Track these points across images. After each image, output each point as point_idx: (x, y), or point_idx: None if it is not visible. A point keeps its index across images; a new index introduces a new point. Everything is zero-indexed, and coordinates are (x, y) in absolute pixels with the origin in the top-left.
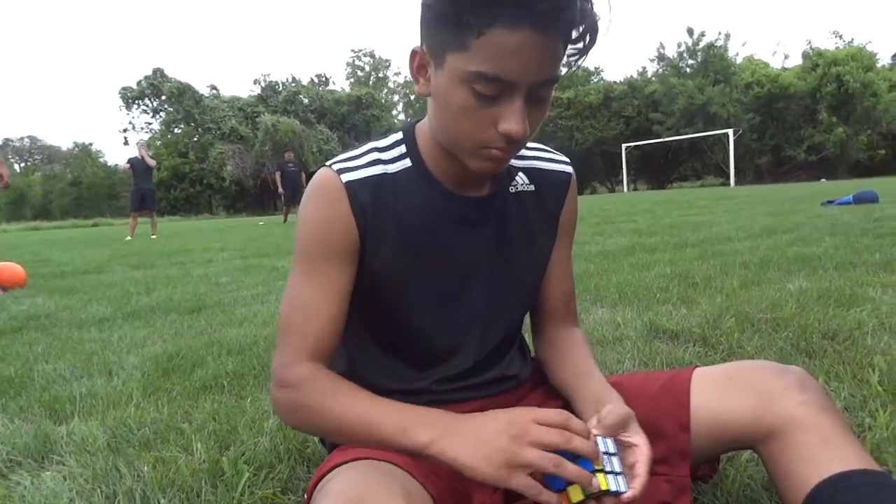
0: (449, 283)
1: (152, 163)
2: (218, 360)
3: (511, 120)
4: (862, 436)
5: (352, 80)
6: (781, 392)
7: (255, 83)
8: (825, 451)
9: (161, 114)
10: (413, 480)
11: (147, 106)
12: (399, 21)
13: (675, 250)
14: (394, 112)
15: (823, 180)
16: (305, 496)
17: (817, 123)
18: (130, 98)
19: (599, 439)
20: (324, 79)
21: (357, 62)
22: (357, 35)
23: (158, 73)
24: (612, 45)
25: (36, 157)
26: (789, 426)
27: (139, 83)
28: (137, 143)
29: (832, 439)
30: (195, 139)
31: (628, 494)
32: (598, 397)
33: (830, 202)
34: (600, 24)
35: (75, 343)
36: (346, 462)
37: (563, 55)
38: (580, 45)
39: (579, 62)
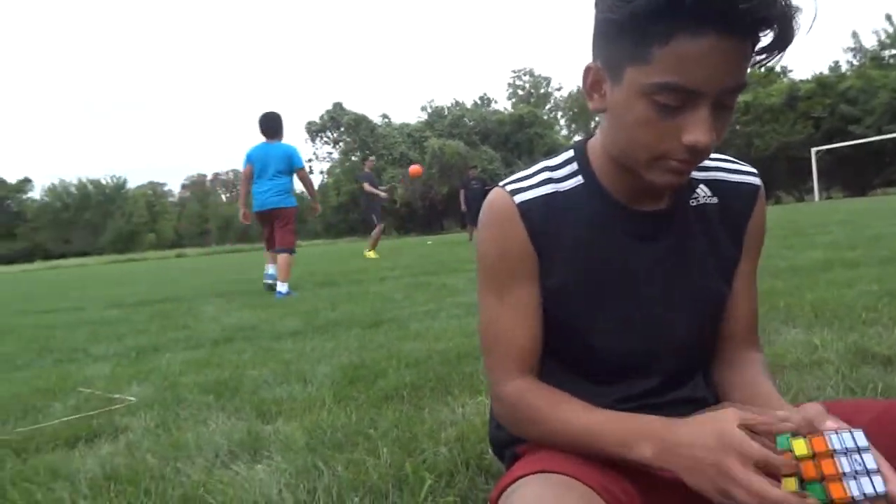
0: (627, 300)
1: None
2: (397, 371)
3: (696, 130)
4: None
5: (513, 99)
6: None
7: (422, 109)
8: None
9: (340, 144)
10: (594, 495)
11: (328, 137)
12: (557, 37)
13: (882, 265)
14: (556, 128)
15: None
16: None
17: None
18: (314, 131)
19: (833, 436)
20: (486, 100)
21: (517, 81)
22: (516, 54)
23: (338, 106)
24: (798, 40)
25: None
26: None
27: (321, 117)
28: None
29: None
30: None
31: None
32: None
33: None
34: (798, 21)
35: (275, 353)
36: (528, 475)
37: (751, 58)
38: (772, 45)
39: (771, 63)
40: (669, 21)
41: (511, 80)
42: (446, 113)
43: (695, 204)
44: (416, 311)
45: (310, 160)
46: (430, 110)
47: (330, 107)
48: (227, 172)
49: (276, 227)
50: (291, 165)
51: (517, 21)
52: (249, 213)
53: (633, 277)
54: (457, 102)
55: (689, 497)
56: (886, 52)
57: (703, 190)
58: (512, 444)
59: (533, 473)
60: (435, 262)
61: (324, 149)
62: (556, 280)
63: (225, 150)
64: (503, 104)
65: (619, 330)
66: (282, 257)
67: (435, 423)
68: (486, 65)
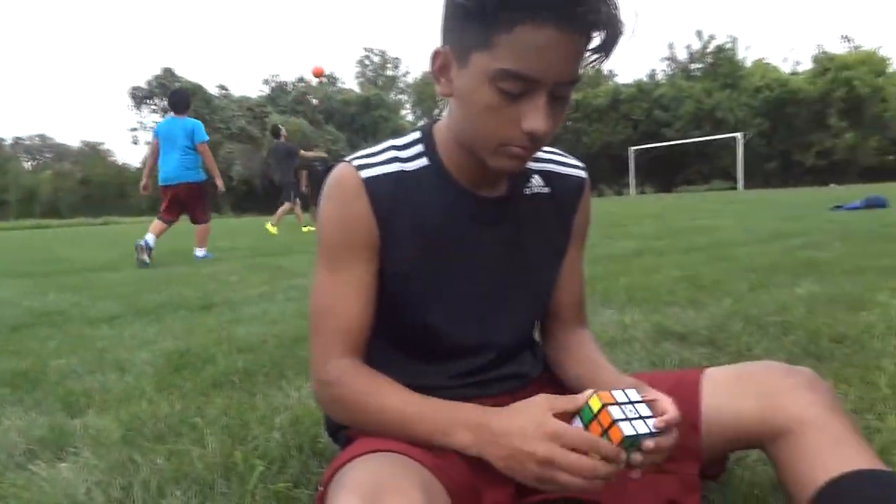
0: (464, 281)
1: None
2: (228, 357)
3: (535, 118)
4: (870, 438)
5: (361, 79)
6: (791, 392)
7: (264, 83)
8: (833, 452)
9: (171, 113)
10: (428, 473)
11: (157, 105)
12: (407, 20)
13: (682, 254)
14: (402, 112)
15: (833, 185)
16: (321, 488)
17: (827, 128)
18: (140, 97)
19: (618, 391)
20: (332, 79)
21: (367, 61)
22: (364, 35)
23: (168, 72)
24: (623, 47)
25: (46, 155)
26: (798, 426)
27: (149, 82)
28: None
29: (840, 440)
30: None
31: (657, 423)
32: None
33: (840, 207)
34: (624, 29)
35: (87, 340)
36: (361, 454)
37: (584, 56)
38: (600, 47)
39: (597, 65)
40: (514, 11)
41: (361, 59)
42: (290, 89)
43: (529, 193)
44: (250, 294)
45: (134, 129)
46: (273, 85)
47: (159, 72)
48: (31, 138)
49: (188, 205)
50: (193, 140)
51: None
52: (150, 186)
53: (473, 260)
54: (301, 79)
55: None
56: (693, 66)
57: (536, 180)
58: (346, 426)
59: (366, 453)
60: (273, 242)
61: (151, 118)
62: (397, 259)
63: (31, 115)
64: (350, 84)
65: (457, 311)
66: (200, 227)
67: (268, 408)
68: (334, 44)
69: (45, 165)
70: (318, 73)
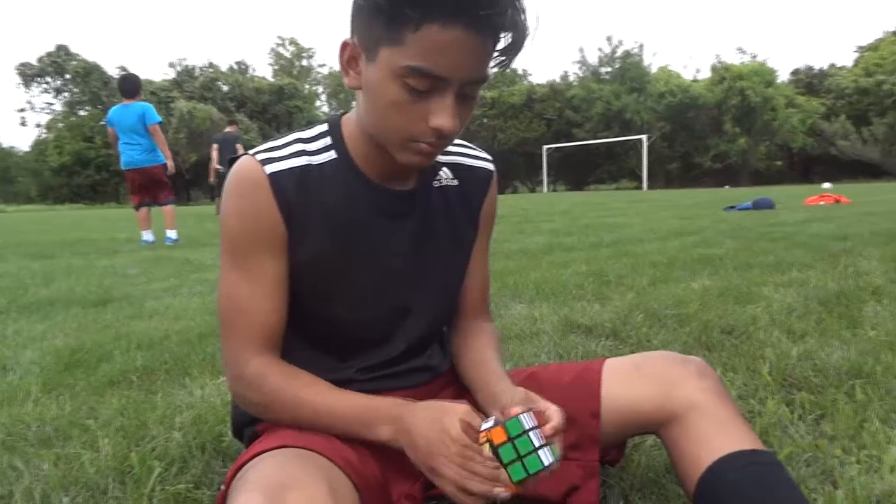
0: (374, 274)
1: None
2: (126, 354)
3: (442, 115)
4: (753, 421)
5: (275, 67)
6: (683, 380)
7: (169, 67)
8: (719, 434)
9: (64, 94)
10: (335, 469)
11: (48, 85)
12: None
13: (590, 250)
14: (317, 104)
15: (727, 187)
16: (223, 487)
17: (723, 133)
18: (29, 76)
19: (523, 416)
20: (243, 66)
21: (281, 49)
22: (280, 22)
23: (62, 49)
24: (538, 48)
25: None
26: (689, 411)
27: (40, 60)
28: None
29: (726, 423)
30: (102, 123)
31: (545, 430)
32: (491, 388)
33: (732, 207)
34: (528, 33)
35: None
36: (267, 451)
37: (492, 56)
38: (507, 49)
39: (504, 66)
40: (423, 9)
41: (274, 46)
42: (198, 73)
43: (438, 185)
44: (153, 289)
45: (22, 110)
46: (179, 68)
47: (52, 48)
48: None
49: (151, 188)
50: (145, 122)
51: None
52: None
53: (381, 253)
54: (211, 64)
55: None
56: (603, 69)
57: (445, 173)
58: (252, 424)
59: (272, 449)
60: (179, 235)
61: (42, 98)
62: (305, 254)
63: None
64: (263, 73)
65: (366, 304)
66: (167, 208)
67: (168, 407)
68: (246, 29)
69: None
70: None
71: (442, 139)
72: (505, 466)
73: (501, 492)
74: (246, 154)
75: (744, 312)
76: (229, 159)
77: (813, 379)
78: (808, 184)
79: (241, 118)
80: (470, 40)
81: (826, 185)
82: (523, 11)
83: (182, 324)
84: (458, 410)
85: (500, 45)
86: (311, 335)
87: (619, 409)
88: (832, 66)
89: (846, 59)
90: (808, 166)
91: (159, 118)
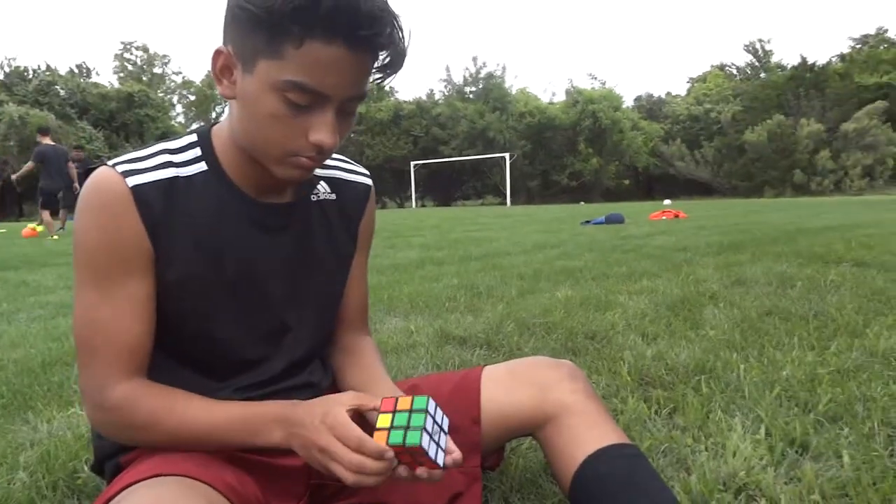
0: (249, 291)
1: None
2: None
3: (322, 131)
4: (616, 418)
5: (121, 73)
6: (556, 383)
7: None
8: (590, 432)
9: None
10: (216, 493)
11: None
12: (179, 14)
13: (460, 263)
14: (172, 114)
15: (582, 203)
16: None
17: (577, 153)
18: None
19: (437, 407)
20: (85, 69)
21: (127, 55)
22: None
23: None
24: (406, 64)
25: None
26: (562, 412)
27: None
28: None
29: (596, 421)
30: None
31: (442, 464)
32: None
33: (588, 222)
34: (406, 52)
35: None
36: (140, 481)
37: (371, 74)
38: (386, 67)
39: (382, 83)
40: (304, 25)
41: (119, 52)
42: (31, 76)
43: (315, 199)
44: None
45: None
46: (7, 69)
47: None
48: None
49: None
50: None
51: None
52: None
53: (257, 269)
54: (48, 66)
55: (298, 477)
56: (468, 88)
57: (323, 186)
58: (114, 456)
59: (146, 479)
60: (12, 254)
61: None
62: (176, 272)
63: None
64: (108, 79)
65: (243, 322)
66: None
67: (9, 446)
68: (87, 30)
69: None
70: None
71: (321, 154)
72: (403, 444)
73: (400, 471)
74: (104, 165)
75: (604, 319)
76: (86, 170)
77: (665, 377)
78: (652, 200)
79: (84, 125)
80: (352, 58)
81: (667, 201)
82: (401, 30)
83: (20, 352)
84: (342, 402)
85: (379, 63)
86: (184, 355)
87: (499, 413)
88: (668, 94)
89: (680, 88)
90: (651, 184)
91: None
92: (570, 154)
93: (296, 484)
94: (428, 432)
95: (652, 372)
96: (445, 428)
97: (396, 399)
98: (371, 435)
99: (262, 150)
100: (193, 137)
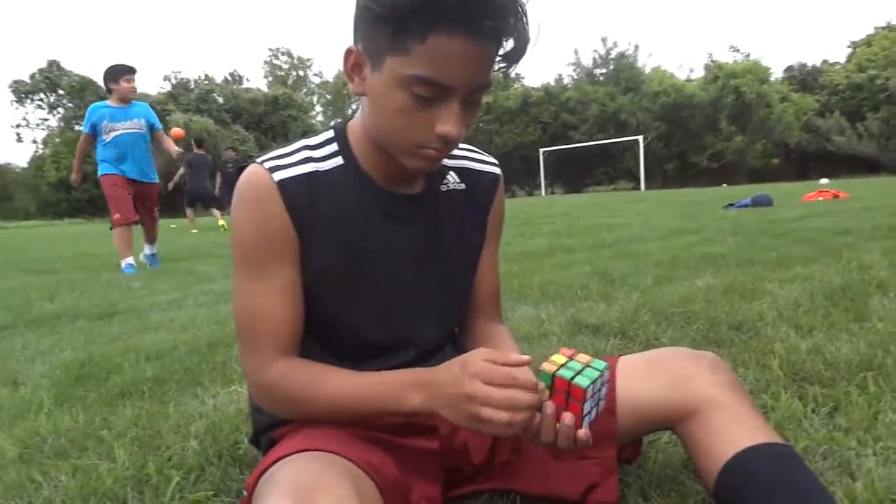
0: (384, 279)
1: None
2: (136, 366)
3: (448, 122)
4: (766, 415)
5: (270, 78)
6: (696, 375)
7: (164, 80)
8: (736, 428)
9: (59, 110)
10: (358, 470)
11: (42, 101)
12: (319, 19)
13: (592, 250)
14: (312, 113)
15: (725, 185)
16: (245, 493)
17: (718, 132)
18: (23, 92)
19: (560, 353)
20: (237, 77)
21: (275, 61)
22: (272, 33)
23: (54, 65)
24: (530, 53)
25: None
26: (704, 406)
27: (32, 76)
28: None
29: (742, 417)
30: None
31: (585, 425)
32: None
33: (731, 205)
34: (530, 39)
35: None
36: (289, 455)
37: (494, 63)
38: (510, 55)
39: (507, 71)
40: (427, 21)
41: (268, 59)
42: (193, 86)
43: (445, 189)
44: (158, 301)
45: (18, 126)
46: (174, 81)
47: (43, 65)
48: None
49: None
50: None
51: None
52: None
53: (390, 258)
54: (206, 76)
55: (433, 459)
56: (598, 71)
57: (452, 177)
58: (269, 430)
59: (294, 453)
60: (181, 247)
61: (37, 114)
62: (316, 260)
63: None
64: (258, 84)
65: (375, 309)
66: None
67: (182, 417)
68: (239, 41)
69: None
70: (178, 136)
71: (448, 144)
72: (570, 381)
73: (548, 406)
74: (254, 162)
75: (750, 308)
76: (238, 168)
77: (824, 372)
78: (806, 180)
79: (238, 128)
80: (474, 49)
81: (823, 180)
82: (525, 17)
83: (190, 334)
84: (478, 354)
85: (503, 51)
86: (327, 340)
87: (635, 405)
88: (825, 62)
89: (839, 55)
90: (805, 163)
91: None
92: (711, 133)
93: (431, 466)
94: (594, 389)
95: (808, 367)
96: (601, 405)
97: (576, 351)
98: None
99: (391, 142)
100: (330, 133)
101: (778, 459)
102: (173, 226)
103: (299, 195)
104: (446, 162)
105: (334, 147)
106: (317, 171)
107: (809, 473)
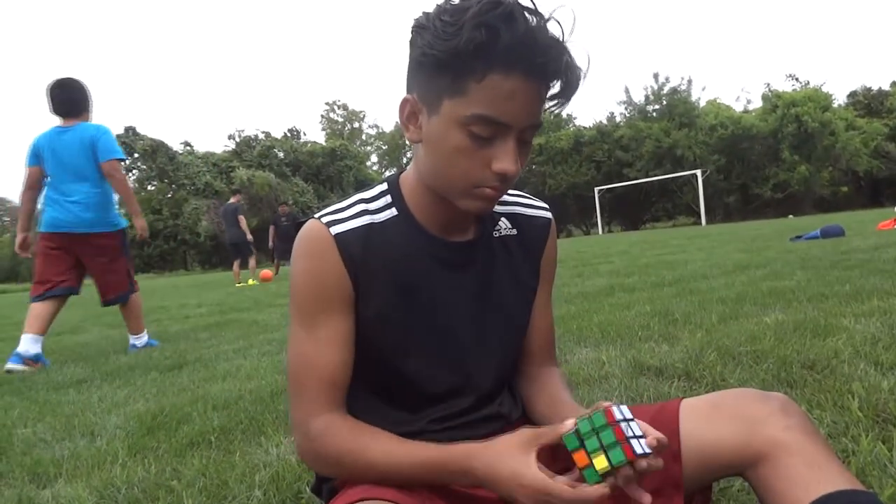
0: (438, 326)
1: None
2: (203, 415)
3: (505, 160)
4: (846, 460)
5: (327, 131)
6: (766, 417)
7: (229, 139)
8: (812, 474)
9: (134, 171)
10: None
11: (124, 166)
12: (370, 73)
13: (652, 289)
14: (368, 163)
15: (791, 216)
16: None
17: (781, 162)
18: None
19: (615, 407)
20: (296, 132)
21: (331, 114)
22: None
23: (130, 131)
24: (582, 91)
25: (4, 218)
26: (775, 450)
27: None
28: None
29: (818, 461)
30: (169, 195)
31: (650, 456)
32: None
33: (799, 237)
34: (581, 76)
35: (53, 405)
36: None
37: (545, 101)
38: (561, 93)
39: (559, 110)
40: (486, 61)
41: (324, 112)
42: (254, 143)
43: (498, 235)
44: (223, 350)
45: None
46: (237, 139)
47: (122, 131)
48: None
49: (91, 265)
50: (96, 157)
51: (328, 54)
52: (32, 239)
53: (445, 305)
54: (267, 134)
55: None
56: (650, 107)
57: (504, 223)
58: (331, 479)
59: (357, 502)
60: (244, 297)
61: None
62: (372, 310)
63: None
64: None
65: (432, 357)
66: (123, 309)
67: (247, 466)
68: (297, 98)
69: (4, 229)
70: (267, 278)
71: (504, 183)
72: (589, 455)
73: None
74: (312, 218)
75: (824, 346)
76: (298, 223)
77: None
78: (879, 207)
79: (297, 181)
80: (530, 87)
81: None
82: (574, 57)
83: (254, 383)
84: (526, 449)
85: (555, 90)
86: (381, 388)
87: (701, 450)
88: (893, 83)
89: None
90: (877, 189)
91: (121, 152)
92: (772, 164)
93: None
94: (623, 437)
95: (891, 407)
96: (629, 416)
97: (576, 426)
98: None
99: (448, 184)
100: (384, 186)
101: None
102: (251, 281)
103: (355, 247)
104: (498, 209)
105: (388, 199)
106: (372, 223)
107: None
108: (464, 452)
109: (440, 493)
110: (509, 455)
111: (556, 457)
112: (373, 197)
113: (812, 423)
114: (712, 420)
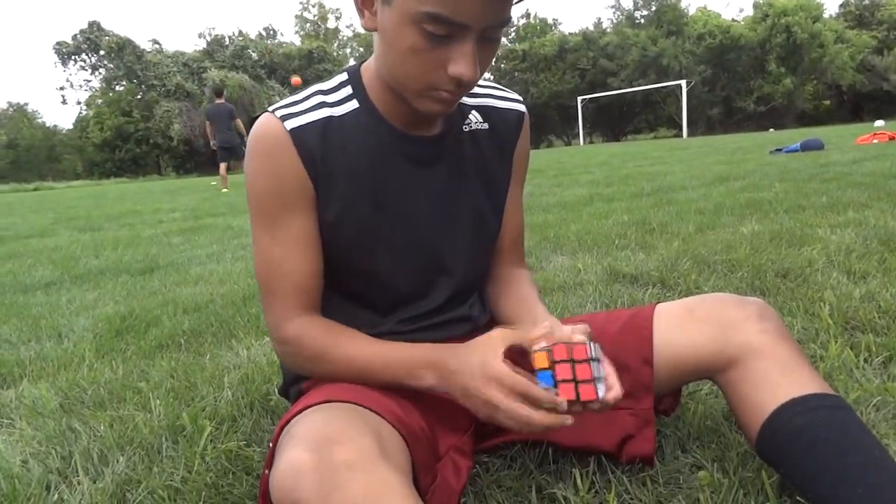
0: (405, 225)
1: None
2: (173, 318)
3: (462, 63)
4: (816, 365)
5: (301, 33)
6: (742, 322)
7: (199, 37)
8: (783, 378)
9: (100, 70)
10: (382, 421)
11: (85, 62)
12: None
13: (631, 199)
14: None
15: (772, 130)
16: (271, 444)
17: (766, 74)
18: (66, 54)
19: (591, 344)
20: (271, 31)
21: (305, 13)
22: None
23: (95, 26)
24: None
25: None
26: (749, 355)
27: (74, 37)
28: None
29: (789, 366)
30: (139, 97)
31: (607, 396)
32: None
33: (779, 150)
34: None
35: (20, 307)
36: (313, 405)
37: None
38: None
39: (522, 2)
40: None
41: (299, 12)
42: (228, 43)
43: (468, 129)
44: (196, 255)
45: (62, 88)
46: (209, 38)
47: (84, 25)
48: None
49: None
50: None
51: None
52: None
53: (411, 202)
54: (240, 32)
55: (462, 410)
56: (639, 13)
57: (474, 116)
58: (298, 382)
59: (318, 404)
60: (219, 202)
61: (80, 75)
62: (335, 209)
63: None
64: (290, 38)
65: (399, 256)
66: None
67: (216, 368)
68: None
69: None
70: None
71: (462, 87)
72: (556, 384)
73: (568, 420)
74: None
75: (798, 255)
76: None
77: (878, 320)
78: (860, 122)
79: (273, 84)
80: None
81: (879, 122)
82: None
83: (226, 287)
84: (496, 346)
85: None
86: (349, 290)
87: (673, 354)
88: None
89: None
90: (859, 104)
91: None
92: (758, 76)
93: (460, 417)
94: (591, 377)
95: (860, 315)
96: (599, 355)
97: (549, 351)
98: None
99: (402, 83)
100: (344, 76)
101: (828, 411)
102: (213, 182)
103: (314, 143)
104: (467, 100)
105: (348, 90)
106: (332, 117)
107: (862, 426)
108: (436, 345)
109: (407, 396)
110: (481, 347)
111: (516, 362)
112: (332, 88)
113: (786, 329)
114: (686, 324)
